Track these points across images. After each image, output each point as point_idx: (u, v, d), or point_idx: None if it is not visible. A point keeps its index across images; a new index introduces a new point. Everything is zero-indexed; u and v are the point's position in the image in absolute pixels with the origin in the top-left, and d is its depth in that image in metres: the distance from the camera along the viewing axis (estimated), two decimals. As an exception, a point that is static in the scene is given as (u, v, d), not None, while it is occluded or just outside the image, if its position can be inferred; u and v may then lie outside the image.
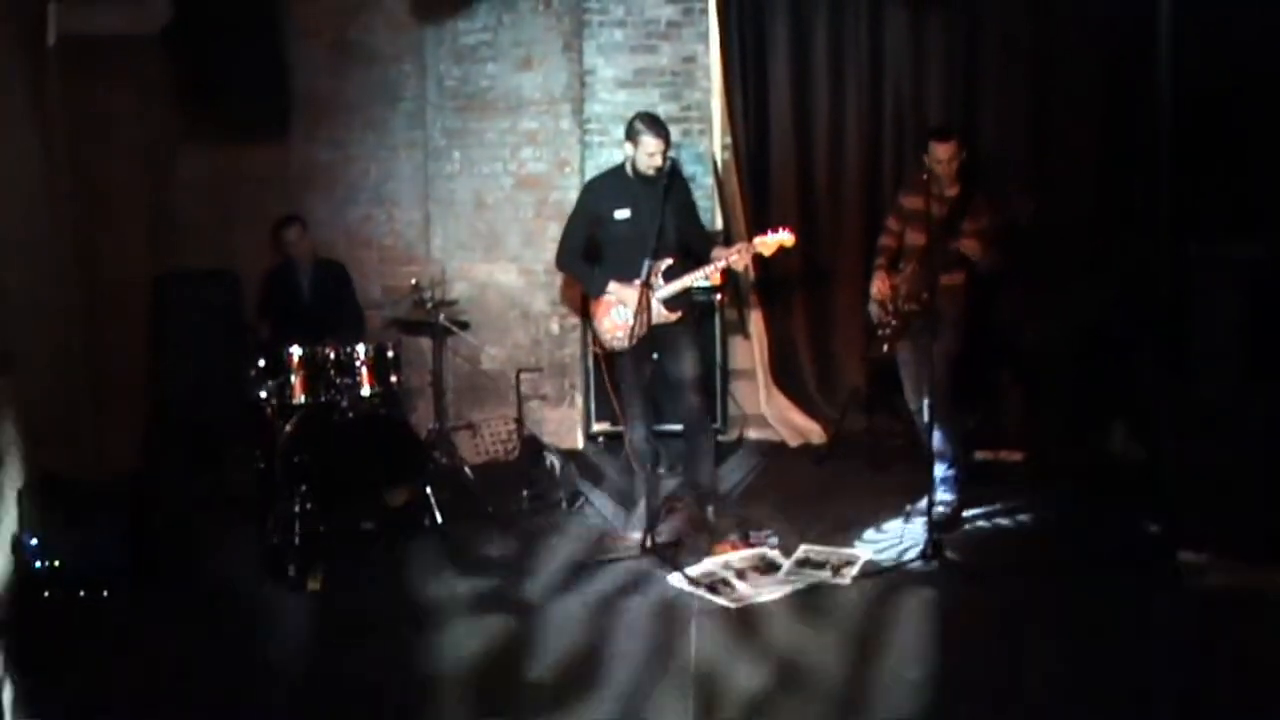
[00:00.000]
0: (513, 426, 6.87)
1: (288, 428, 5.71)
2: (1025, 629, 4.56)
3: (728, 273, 5.97)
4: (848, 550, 5.33)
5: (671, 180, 5.37)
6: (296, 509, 5.41)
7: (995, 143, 6.76)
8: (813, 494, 6.21)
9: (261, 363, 5.88)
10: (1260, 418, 5.04)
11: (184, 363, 6.52)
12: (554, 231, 6.88)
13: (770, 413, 7.31)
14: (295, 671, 4.36)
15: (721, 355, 7.14)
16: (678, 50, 7.25)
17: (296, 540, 5.32)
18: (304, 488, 5.46)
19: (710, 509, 5.59)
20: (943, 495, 5.63)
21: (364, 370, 5.83)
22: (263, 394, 5.83)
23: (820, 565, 5.18)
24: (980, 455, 6.52)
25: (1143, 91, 6.56)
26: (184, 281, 6.72)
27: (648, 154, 5.34)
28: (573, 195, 6.32)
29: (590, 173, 6.80)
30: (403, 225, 7.28)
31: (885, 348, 5.74)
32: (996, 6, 6.84)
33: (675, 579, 5.06)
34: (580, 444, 7.29)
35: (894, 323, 5.67)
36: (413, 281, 6.54)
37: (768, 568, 5.20)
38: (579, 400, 7.33)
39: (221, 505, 6.01)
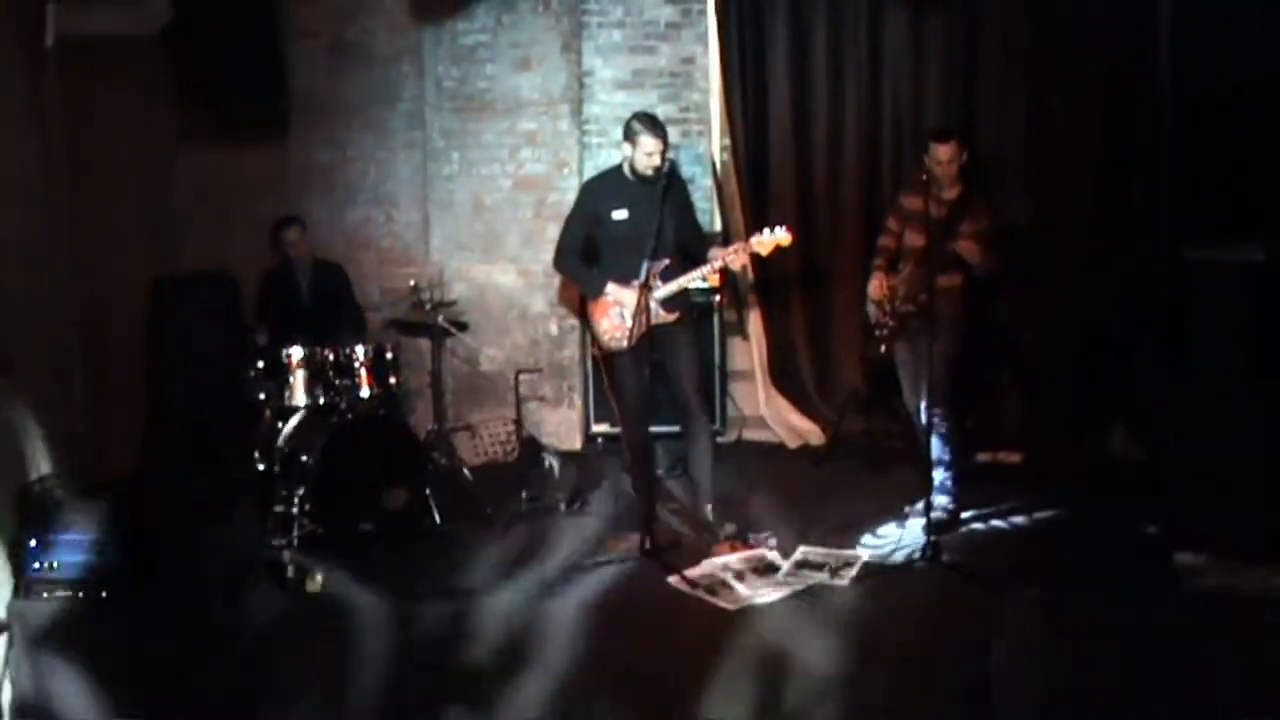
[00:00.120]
0: (511, 428, 6.87)
1: (286, 429, 5.72)
2: (1023, 630, 4.55)
3: (726, 273, 5.97)
4: (846, 552, 5.33)
5: (670, 181, 5.37)
6: (295, 510, 5.41)
7: (995, 144, 6.76)
8: (811, 495, 6.21)
9: (260, 364, 5.88)
10: (1259, 419, 5.04)
11: (183, 364, 6.52)
12: (553, 233, 6.86)
13: (769, 414, 7.31)
14: (295, 671, 4.36)
15: (720, 356, 7.14)
16: (676, 51, 7.26)
17: (295, 542, 5.32)
18: (302, 489, 5.46)
19: (709, 510, 5.59)
20: (941, 496, 5.63)
21: (363, 372, 5.84)
22: (262, 395, 5.84)
23: (819, 567, 5.18)
24: (979, 456, 6.53)
25: (1143, 93, 6.58)
26: (183, 283, 6.72)
27: (646, 154, 5.33)
28: (571, 196, 6.32)
29: (589, 174, 6.80)
30: (401, 226, 7.28)
31: (883, 348, 5.74)
32: (996, 7, 6.84)
33: (674, 581, 5.06)
34: (579, 445, 7.29)
35: (891, 323, 5.67)
36: (411, 283, 6.54)
37: (766, 569, 5.19)
38: (578, 401, 7.33)
39: (220, 506, 6.01)
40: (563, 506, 6.09)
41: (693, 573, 5.12)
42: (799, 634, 4.57)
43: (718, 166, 7.43)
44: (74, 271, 6.00)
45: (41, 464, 5.36)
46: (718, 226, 7.34)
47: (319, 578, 5.12)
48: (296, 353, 5.79)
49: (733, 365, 7.36)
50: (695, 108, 7.30)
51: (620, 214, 5.44)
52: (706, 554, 5.34)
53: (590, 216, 5.56)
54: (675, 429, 5.84)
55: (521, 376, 6.74)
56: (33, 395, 5.31)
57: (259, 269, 6.66)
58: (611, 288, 5.49)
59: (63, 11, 5.84)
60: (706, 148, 7.34)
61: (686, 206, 5.67)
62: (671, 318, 5.46)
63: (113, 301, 6.31)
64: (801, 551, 5.34)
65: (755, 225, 6.76)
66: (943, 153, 5.51)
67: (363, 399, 5.81)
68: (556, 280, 7.19)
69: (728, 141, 7.32)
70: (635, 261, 5.34)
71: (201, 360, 6.51)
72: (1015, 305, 6.74)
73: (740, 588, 5.00)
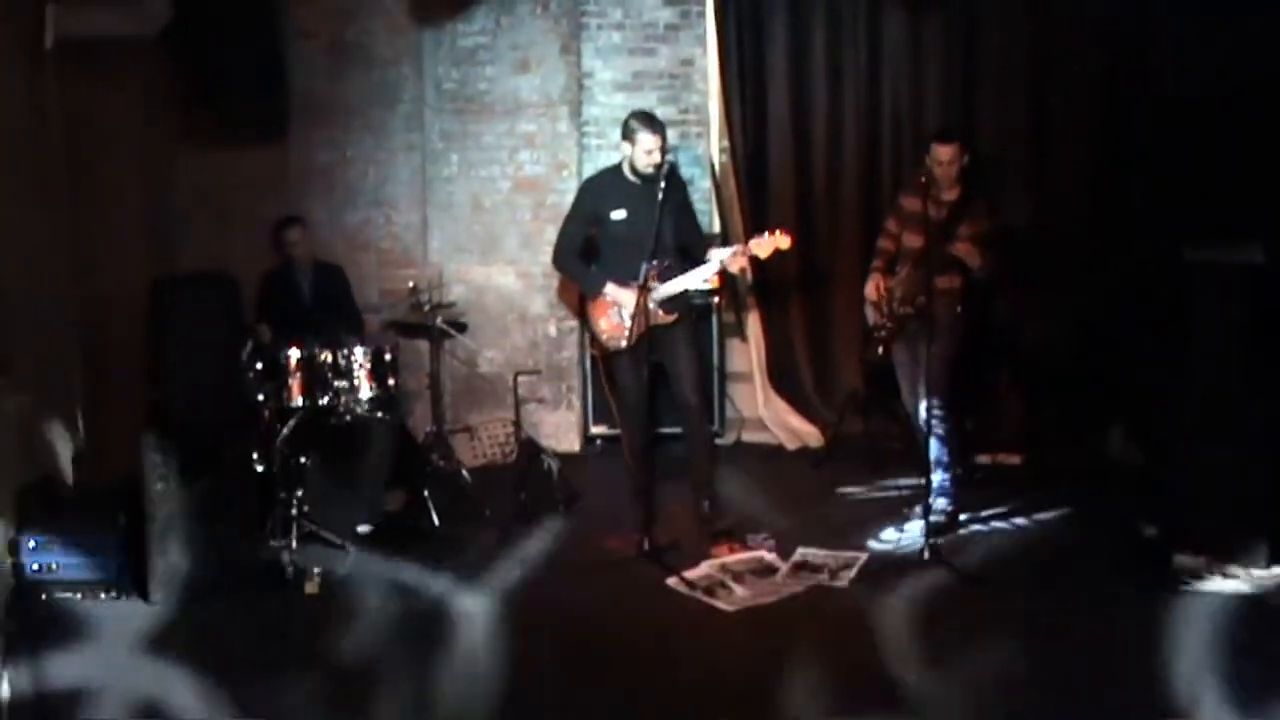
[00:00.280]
0: (510, 429, 6.86)
1: (285, 430, 5.71)
2: (1022, 632, 4.55)
3: (725, 275, 5.97)
4: (845, 553, 5.33)
5: (669, 181, 5.37)
6: (294, 511, 5.40)
7: (994, 144, 6.77)
8: (810, 497, 6.21)
9: (260, 365, 5.88)
10: (1259, 419, 5.04)
11: (182, 364, 6.50)
12: (552, 234, 6.84)
13: (768, 416, 7.31)
14: (294, 672, 4.35)
15: (719, 358, 7.14)
16: (676, 53, 7.27)
17: (294, 543, 5.32)
18: (301, 490, 5.46)
19: (708, 511, 5.59)
20: (940, 498, 5.63)
21: (362, 373, 5.83)
22: (261, 396, 5.83)
23: (818, 568, 5.18)
24: (978, 457, 6.52)
25: (1142, 93, 6.59)
26: (182, 284, 6.68)
27: (645, 151, 5.33)
28: (570, 198, 6.32)
29: (588, 175, 6.79)
30: (400, 228, 7.28)
31: (880, 350, 5.74)
32: (995, 8, 6.85)
33: (672, 582, 5.06)
34: (578, 447, 7.29)
35: (889, 325, 5.67)
36: (410, 284, 6.54)
37: (765, 571, 5.19)
38: (576, 403, 7.32)
39: (219, 507, 5.99)
40: (561, 508, 6.09)
41: (691, 574, 5.13)
42: (797, 636, 4.57)
43: (716, 168, 7.43)
44: (74, 271, 6.00)
45: (41, 464, 5.36)
46: (717, 228, 7.34)
47: (317, 578, 5.12)
48: (295, 354, 5.78)
49: (731, 367, 7.36)
50: (694, 109, 7.30)
51: (619, 214, 5.44)
52: (705, 555, 5.34)
53: (589, 216, 5.55)
54: (675, 430, 5.83)
55: (520, 378, 6.73)
56: (32, 395, 5.30)
57: (259, 269, 6.65)
58: (610, 288, 5.48)
59: (62, 12, 5.84)
60: (705, 149, 7.34)
61: (686, 207, 5.67)
62: (670, 319, 5.46)
63: (112, 301, 6.30)
64: (800, 553, 5.34)
65: (754, 227, 6.77)
66: (944, 154, 5.51)
67: (362, 400, 5.81)
68: (555, 282, 7.19)
69: (726, 143, 7.32)
70: (634, 261, 5.33)
71: (201, 361, 6.48)
72: (1015, 306, 6.75)
73: (739, 589, 5.00)
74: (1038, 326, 6.86)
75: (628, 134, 5.39)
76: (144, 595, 5.03)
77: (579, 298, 6.50)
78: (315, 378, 5.78)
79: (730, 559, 5.31)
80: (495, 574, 5.24)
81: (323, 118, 7.09)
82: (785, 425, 7.25)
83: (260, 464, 5.85)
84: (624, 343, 5.41)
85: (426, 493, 5.79)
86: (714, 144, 7.41)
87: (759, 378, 7.32)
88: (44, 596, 4.99)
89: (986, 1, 6.87)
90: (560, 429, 7.32)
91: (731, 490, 6.05)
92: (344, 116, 7.13)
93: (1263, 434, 5.01)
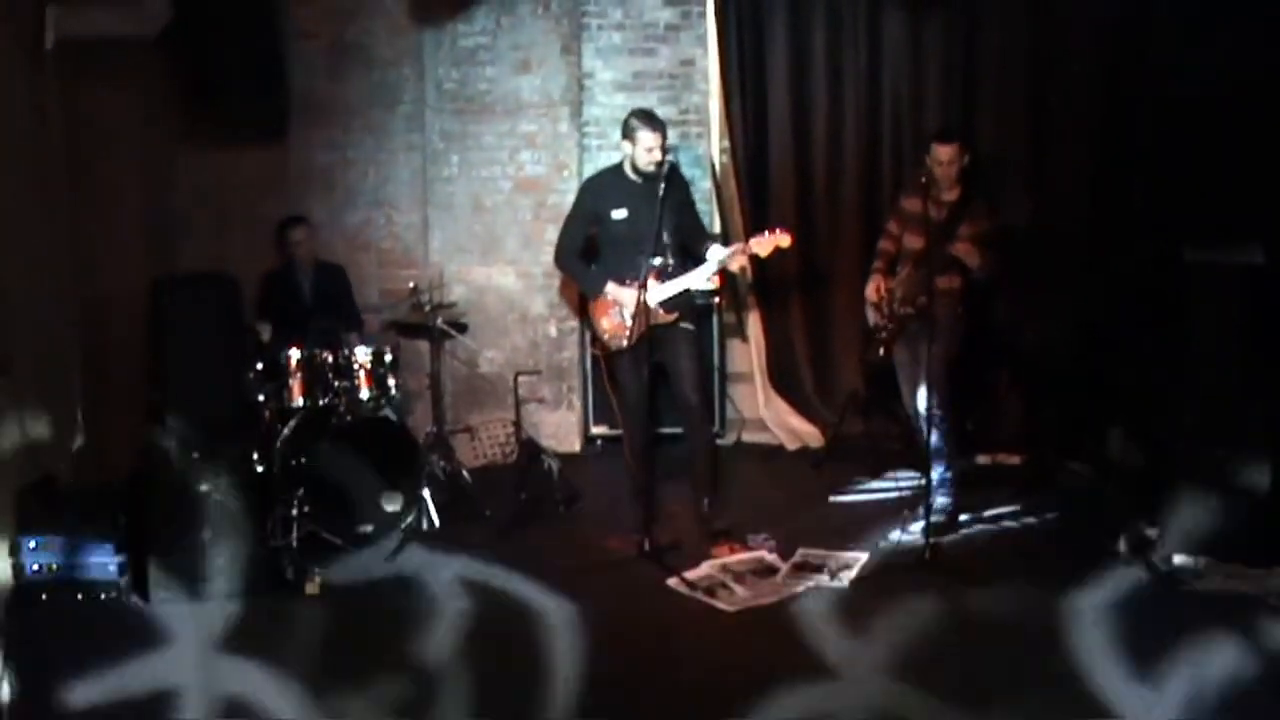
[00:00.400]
0: (510, 430, 6.86)
1: (286, 430, 5.71)
2: (1022, 632, 4.55)
3: (726, 274, 5.97)
4: (846, 554, 5.33)
5: (670, 180, 5.36)
6: (294, 512, 5.41)
7: (994, 144, 6.77)
8: (811, 497, 6.21)
9: (260, 365, 5.88)
10: (1258, 420, 5.04)
11: (182, 365, 6.50)
12: (552, 234, 6.84)
13: (768, 416, 7.31)
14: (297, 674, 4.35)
15: (719, 358, 7.15)
16: (676, 53, 7.27)
17: (294, 544, 5.32)
18: (301, 491, 5.46)
19: (708, 511, 5.59)
20: (940, 499, 5.63)
21: (362, 373, 5.83)
22: (261, 397, 5.83)
23: (818, 569, 5.18)
24: (979, 458, 6.53)
25: (1143, 93, 6.59)
26: (182, 284, 6.69)
27: (646, 149, 5.33)
28: (571, 198, 6.32)
29: (588, 175, 6.79)
30: (401, 228, 7.28)
31: (881, 351, 5.74)
32: (995, 8, 6.85)
33: (673, 582, 5.06)
34: (578, 447, 7.29)
35: (890, 326, 5.67)
36: (411, 284, 6.53)
37: (765, 571, 5.19)
38: (577, 403, 7.32)
39: (219, 508, 5.99)
40: (561, 508, 6.08)
41: (692, 574, 5.12)
42: (798, 636, 4.57)
43: (717, 168, 7.43)
44: (74, 271, 6.01)
45: (41, 465, 5.36)
46: (717, 228, 7.34)
47: (318, 579, 5.12)
48: (295, 354, 5.79)
49: (732, 367, 7.36)
50: (695, 109, 7.30)
51: (620, 213, 5.44)
52: (705, 556, 5.34)
53: (590, 215, 5.55)
54: (676, 431, 5.84)
55: (520, 378, 6.73)
56: (32, 395, 5.30)
57: (259, 269, 6.65)
58: (611, 287, 5.48)
59: (63, 13, 5.84)
60: (706, 149, 7.34)
61: (688, 206, 5.66)
62: (671, 318, 5.46)
63: (112, 302, 6.30)
64: (800, 553, 5.34)
65: (754, 227, 6.77)
66: (944, 154, 5.51)
67: (362, 401, 5.81)
68: (556, 282, 7.19)
69: (727, 143, 7.32)
70: (635, 261, 5.34)
71: (200, 362, 6.49)
72: (1015, 306, 6.75)
73: (739, 590, 5.00)
74: (1038, 326, 6.86)
75: (628, 132, 5.39)
76: (144, 595, 5.03)
77: (580, 296, 6.50)
78: (316, 378, 5.79)
79: (731, 559, 5.31)
80: (493, 575, 5.24)
81: (323, 118, 7.09)
82: (786, 425, 7.25)
83: (260, 464, 5.86)
84: (625, 342, 5.41)
85: (426, 493, 5.79)
86: (714, 144, 7.41)
87: (759, 378, 7.32)
88: (44, 597, 4.99)
89: (986, 1, 6.87)
90: (561, 429, 7.32)
91: (732, 490, 6.05)
92: (344, 117, 7.13)
93: (1263, 434, 5.01)
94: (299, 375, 5.78)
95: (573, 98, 7.23)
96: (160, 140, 6.72)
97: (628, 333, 5.39)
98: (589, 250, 5.69)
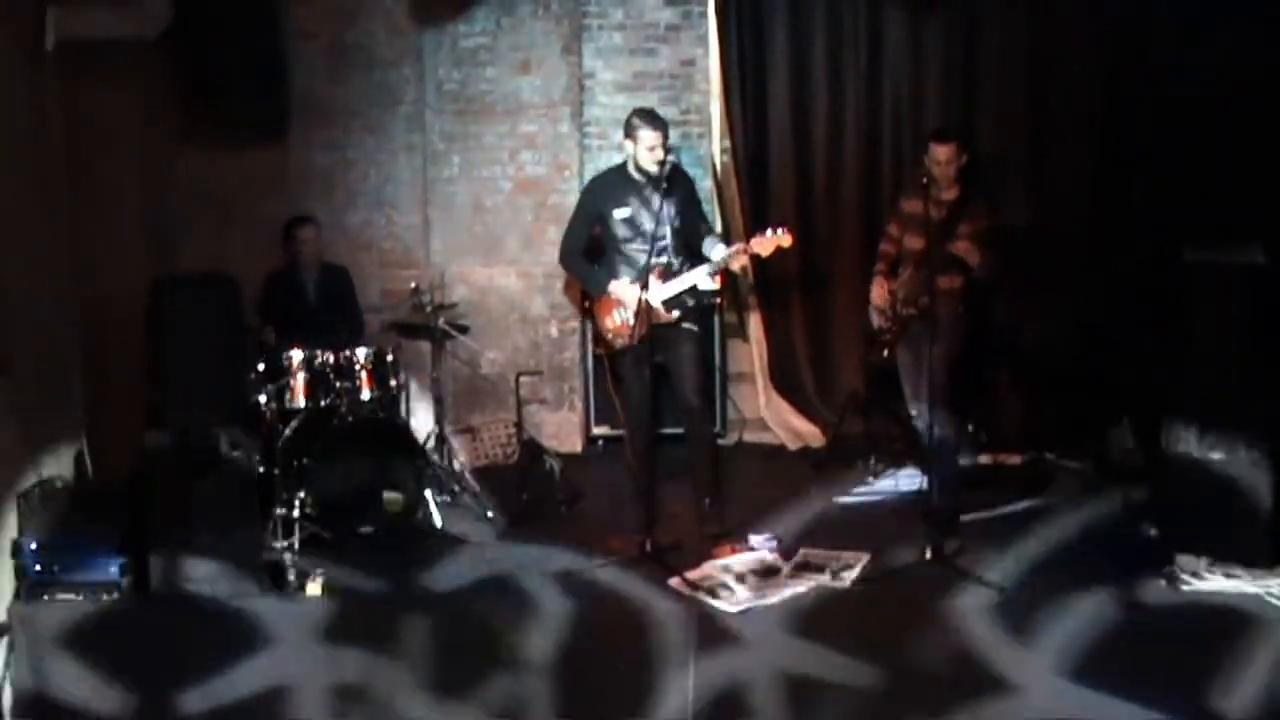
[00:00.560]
0: (512, 430, 6.86)
1: (287, 431, 5.71)
2: (1022, 632, 4.55)
3: (727, 274, 5.97)
4: (847, 553, 5.32)
5: (672, 179, 5.36)
6: (296, 513, 5.40)
7: (994, 144, 6.77)
8: (812, 497, 6.20)
9: (261, 366, 5.88)
10: (1258, 420, 5.04)
11: (182, 365, 6.50)
12: (553, 235, 6.88)
13: (769, 416, 7.31)
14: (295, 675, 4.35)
15: (720, 358, 7.14)
16: (677, 54, 7.27)
17: (296, 544, 5.31)
18: (303, 492, 5.45)
19: (710, 511, 5.58)
20: (941, 498, 5.62)
21: (363, 374, 5.83)
22: (262, 398, 5.83)
23: (819, 569, 5.17)
24: (980, 458, 6.52)
25: (1143, 93, 6.59)
26: (182, 285, 6.69)
27: (648, 148, 5.32)
28: (572, 199, 6.33)
29: (589, 176, 6.80)
30: (402, 229, 7.28)
31: (886, 353, 5.74)
32: (995, 8, 6.85)
33: (674, 582, 5.05)
34: (580, 447, 7.29)
35: (894, 328, 5.67)
36: (412, 285, 6.53)
37: (767, 571, 5.19)
38: (578, 404, 7.32)
39: (220, 509, 5.99)
40: (563, 508, 6.08)
41: (693, 574, 5.11)
42: (800, 636, 4.57)
43: (718, 168, 7.43)
44: (74, 271, 6.00)
45: (41, 465, 5.35)
46: (718, 228, 7.34)
47: (320, 580, 5.12)
48: (297, 355, 5.78)
49: (733, 367, 7.36)
50: (695, 110, 7.30)
51: (622, 213, 5.44)
52: (707, 556, 5.34)
53: (593, 215, 5.56)
54: (678, 431, 5.84)
55: (522, 379, 6.73)
56: (32, 396, 5.30)
57: (259, 270, 6.65)
58: (614, 286, 5.49)
59: (63, 14, 5.83)
60: (707, 150, 7.34)
61: (692, 204, 5.65)
62: (673, 318, 5.46)
63: (112, 302, 6.30)
64: (802, 553, 5.34)
65: (755, 227, 6.76)
66: (942, 153, 5.51)
67: (363, 401, 5.81)
68: (557, 283, 7.20)
69: (728, 143, 7.32)
70: (638, 260, 5.33)
71: (201, 361, 6.49)
72: (1015, 306, 6.75)
73: (741, 590, 4.99)
74: (1038, 326, 6.87)
75: (629, 131, 5.39)
76: (145, 598, 5.02)
77: (582, 296, 6.50)
78: (317, 379, 5.78)
79: (732, 559, 5.30)
80: (495, 576, 5.24)
81: (323, 119, 7.10)
82: (786, 425, 7.25)
83: (261, 465, 5.85)
84: (626, 341, 5.41)
85: (428, 493, 5.79)
86: (715, 144, 7.41)
87: (760, 378, 7.32)
88: (45, 599, 4.98)
89: (986, 1, 6.87)
90: (562, 429, 7.32)
91: (733, 490, 6.05)
92: (345, 117, 7.13)
93: (1262, 434, 5.01)
94: (300, 376, 5.77)
95: (573, 98, 7.23)
96: (160, 140, 6.71)
97: (630, 332, 5.39)
98: (594, 250, 5.69)
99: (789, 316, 7.30)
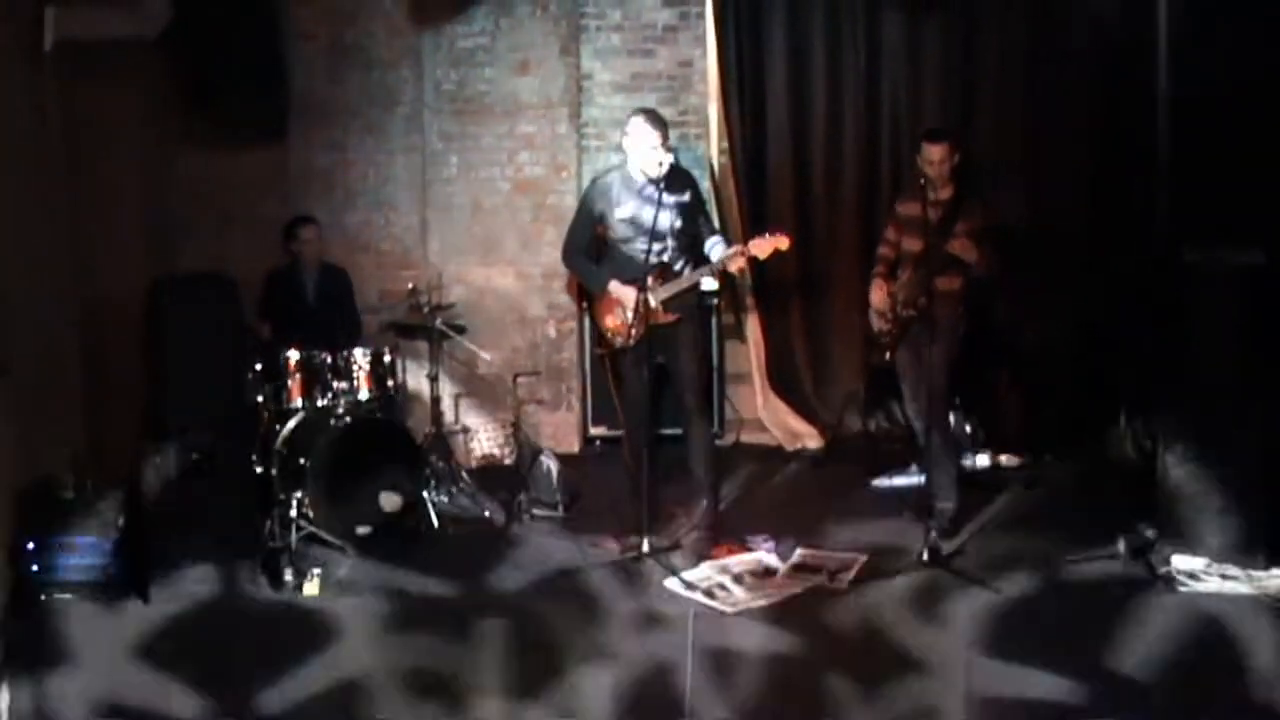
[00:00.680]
0: (509, 430, 6.86)
1: (284, 431, 5.71)
2: (1022, 632, 4.55)
3: (725, 275, 5.97)
4: (844, 554, 5.32)
5: (672, 179, 5.36)
6: (293, 513, 5.41)
7: (993, 145, 6.77)
8: (809, 498, 6.20)
9: (259, 366, 5.88)
10: (1257, 421, 5.04)
11: (181, 365, 6.51)
12: (551, 235, 6.90)
13: (767, 416, 7.31)
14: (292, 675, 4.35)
15: (719, 359, 7.14)
16: (675, 55, 7.28)
17: (293, 544, 5.32)
18: (300, 492, 5.46)
19: (707, 512, 5.58)
20: (940, 499, 5.62)
21: (361, 374, 5.84)
22: (260, 398, 5.83)
23: (817, 570, 5.17)
24: (979, 458, 6.52)
25: (1141, 95, 6.59)
26: (181, 285, 6.70)
27: (649, 148, 5.32)
28: (570, 199, 6.34)
29: (587, 177, 6.80)
30: (400, 229, 7.28)
31: (886, 355, 5.74)
32: (994, 9, 6.86)
33: (672, 583, 5.06)
34: (577, 448, 7.29)
35: (894, 330, 5.67)
36: (410, 285, 6.54)
37: (764, 572, 5.19)
38: (576, 404, 7.33)
39: (218, 509, 5.99)
40: (561, 509, 6.08)
41: (691, 575, 5.12)
42: (799, 636, 4.57)
43: (716, 169, 7.43)
44: (74, 272, 6.00)
45: (40, 465, 5.36)
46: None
47: (317, 580, 5.12)
48: (295, 355, 5.79)
49: (731, 368, 7.36)
50: (693, 111, 7.31)
51: (623, 212, 5.44)
52: (704, 556, 5.33)
53: (595, 215, 5.55)
54: (676, 431, 5.84)
55: (519, 379, 6.74)
56: (31, 396, 5.30)
57: (259, 269, 6.66)
58: (614, 286, 5.48)
59: (62, 14, 5.84)
60: (705, 151, 7.35)
61: (694, 204, 5.63)
62: (672, 319, 5.46)
63: (112, 302, 6.30)
64: (799, 554, 5.34)
65: (753, 228, 6.77)
66: (934, 153, 5.51)
67: (361, 402, 5.81)
68: (555, 283, 7.20)
69: (726, 144, 7.33)
70: (638, 260, 5.34)
71: (200, 361, 6.49)
72: (1015, 306, 6.75)
73: (738, 590, 4.99)
74: (1038, 326, 6.87)
75: (630, 132, 5.39)
76: (144, 596, 5.02)
77: (582, 293, 6.50)
78: (315, 379, 5.79)
79: (730, 560, 5.31)
80: (493, 576, 5.24)
81: (322, 119, 7.10)
82: (784, 426, 7.25)
83: (258, 465, 5.86)
84: (625, 340, 5.41)
85: (426, 494, 5.79)
86: (713, 145, 7.41)
87: (758, 379, 7.32)
88: (43, 599, 4.98)
89: (986, 2, 6.88)
90: (560, 430, 7.32)
91: (731, 491, 6.05)
92: (344, 118, 7.14)
93: (1262, 434, 5.00)
94: (298, 376, 5.78)
95: (571, 99, 7.23)
96: (160, 140, 6.72)
97: (629, 331, 5.39)
98: (597, 249, 5.70)
99: (787, 317, 7.30)
